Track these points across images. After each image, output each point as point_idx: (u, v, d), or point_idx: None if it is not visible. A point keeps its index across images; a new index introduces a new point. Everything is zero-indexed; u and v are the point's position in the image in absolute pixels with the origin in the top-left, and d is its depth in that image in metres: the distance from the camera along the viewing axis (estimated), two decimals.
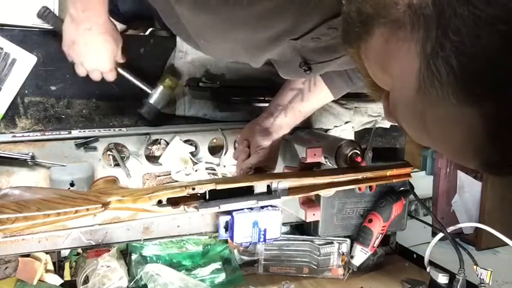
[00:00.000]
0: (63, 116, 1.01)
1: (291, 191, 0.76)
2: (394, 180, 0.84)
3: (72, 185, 0.91)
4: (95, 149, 0.98)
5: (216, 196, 0.71)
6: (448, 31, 0.31)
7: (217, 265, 1.17)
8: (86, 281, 1.06)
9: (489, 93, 0.31)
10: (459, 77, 0.31)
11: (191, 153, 1.06)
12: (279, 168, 0.97)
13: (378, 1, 0.38)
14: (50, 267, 1.08)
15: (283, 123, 0.93)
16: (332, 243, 1.24)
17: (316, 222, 1.18)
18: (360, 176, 0.80)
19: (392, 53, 0.38)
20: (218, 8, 0.56)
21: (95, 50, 0.86)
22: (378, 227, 1.18)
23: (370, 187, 1.17)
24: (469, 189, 1.62)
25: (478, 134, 0.33)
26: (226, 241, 1.21)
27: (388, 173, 0.83)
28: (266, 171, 0.90)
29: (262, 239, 1.06)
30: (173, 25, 0.86)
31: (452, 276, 1.17)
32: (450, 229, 1.27)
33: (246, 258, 1.25)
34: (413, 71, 0.35)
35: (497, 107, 0.31)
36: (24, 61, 0.95)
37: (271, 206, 1.05)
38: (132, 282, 1.09)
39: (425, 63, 0.34)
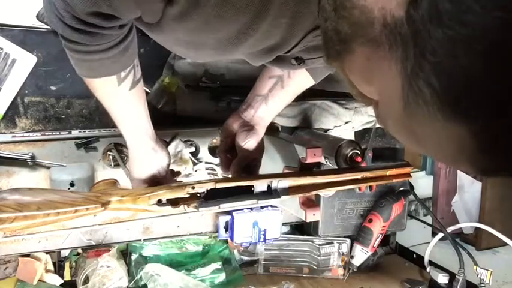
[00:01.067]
0: (63, 116, 1.01)
1: (291, 190, 0.76)
2: (394, 180, 0.84)
3: (72, 185, 0.91)
4: (95, 149, 0.98)
5: (216, 196, 0.71)
6: (425, 52, 0.31)
7: (217, 265, 1.17)
8: (86, 281, 1.06)
9: (474, 111, 0.31)
10: (442, 96, 0.31)
11: (191, 153, 1.06)
12: (279, 168, 0.97)
13: (354, 20, 0.37)
14: (50, 267, 1.08)
15: (265, 113, 0.91)
16: (332, 243, 1.24)
17: (316, 222, 1.18)
18: (359, 176, 0.80)
19: (374, 71, 0.38)
20: (220, 47, 0.58)
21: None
22: (378, 227, 1.18)
23: (370, 187, 1.17)
24: (469, 189, 1.62)
25: (468, 148, 0.33)
26: (226, 241, 1.21)
27: (388, 173, 0.83)
28: (255, 165, 0.89)
29: (262, 239, 1.06)
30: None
31: (452, 276, 1.18)
32: (450, 229, 1.27)
33: (246, 258, 1.25)
34: (397, 90, 0.35)
35: (483, 124, 0.31)
36: (24, 61, 0.95)
37: (271, 206, 1.05)
38: (132, 282, 1.09)
39: (408, 83, 0.33)
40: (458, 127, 0.32)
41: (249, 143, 0.87)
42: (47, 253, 1.06)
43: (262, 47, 0.61)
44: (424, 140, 0.37)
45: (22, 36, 0.95)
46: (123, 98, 0.73)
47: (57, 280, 1.08)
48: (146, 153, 0.82)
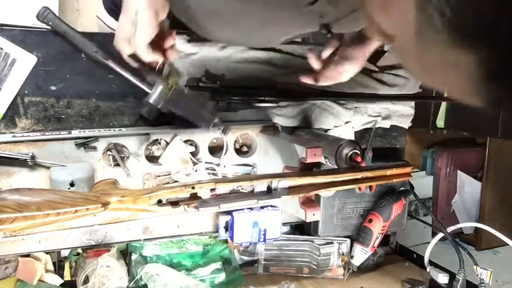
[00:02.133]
0: (63, 116, 1.01)
1: (291, 190, 0.76)
2: (394, 180, 0.84)
3: (72, 185, 0.91)
4: (95, 149, 0.98)
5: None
6: None
7: (217, 265, 1.17)
8: (86, 281, 1.06)
9: (482, 39, 0.32)
10: (452, 24, 0.32)
11: (191, 153, 1.06)
12: (279, 168, 0.97)
13: None
14: (50, 267, 1.08)
15: None
16: (332, 243, 1.24)
17: (316, 222, 1.18)
18: (360, 176, 0.80)
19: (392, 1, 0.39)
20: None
21: None
22: (378, 227, 1.18)
23: (370, 187, 1.17)
24: (469, 189, 1.62)
25: (476, 77, 0.34)
26: (226, 241, 1.21)
27: (388, 172, 0.83)
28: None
29: (262, 239, 1.06)
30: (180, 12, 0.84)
31: (452, 276, 1.18)
32: (450, 229, 1.27)
33: (246, 258, 1.25)
34: (412, 19, 0.36)
35: (492, 52, 0.32)
36: (24, 61, 0.95)
37: (271, 206, 1.05)
38: (132, 282, 1.09)
39: (420, 10, 0.34)
40: (465, 54, 0.33)
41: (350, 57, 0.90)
42: (47, 253, 1.06)
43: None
44: (435, 71, 0.38)
45: (22, 36, 0.95)
46: None
47: (57, 280, 1.08)
48: None
